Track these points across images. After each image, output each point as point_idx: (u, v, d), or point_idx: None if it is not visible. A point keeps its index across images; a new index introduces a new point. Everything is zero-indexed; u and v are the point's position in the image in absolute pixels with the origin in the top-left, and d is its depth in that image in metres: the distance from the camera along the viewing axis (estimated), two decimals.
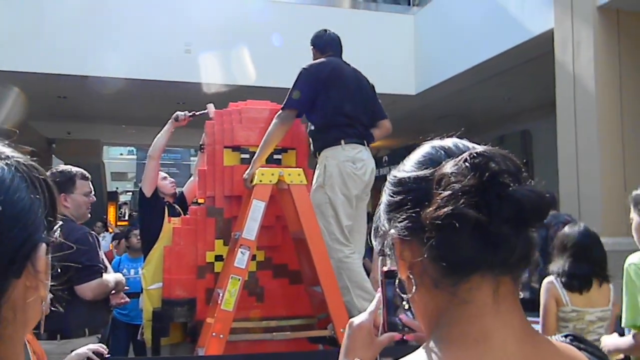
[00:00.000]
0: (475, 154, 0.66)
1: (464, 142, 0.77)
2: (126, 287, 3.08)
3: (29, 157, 0.66)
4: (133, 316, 4.81)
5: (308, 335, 2.96)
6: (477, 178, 0.64)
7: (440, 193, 0.64)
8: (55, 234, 0.65)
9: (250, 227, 2.62)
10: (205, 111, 3.56)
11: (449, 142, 0.77)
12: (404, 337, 0.89)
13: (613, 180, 5.19)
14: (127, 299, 3.10)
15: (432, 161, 0.72)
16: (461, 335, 0.66)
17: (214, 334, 2.48)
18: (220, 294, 2.57)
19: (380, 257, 0.93)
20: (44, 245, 0.61)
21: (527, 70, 7.38)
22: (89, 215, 2.98)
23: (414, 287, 0.70)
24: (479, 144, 0.75)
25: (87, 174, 2.92)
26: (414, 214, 0.68)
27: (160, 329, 2.98)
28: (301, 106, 3.15)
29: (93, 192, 2.97)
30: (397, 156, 14.08)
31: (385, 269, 0.92)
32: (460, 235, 0.63)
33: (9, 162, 0.60)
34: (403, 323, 0.89)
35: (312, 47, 3.46)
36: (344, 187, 3.02)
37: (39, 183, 0.62)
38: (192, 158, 24.96)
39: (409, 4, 9.56)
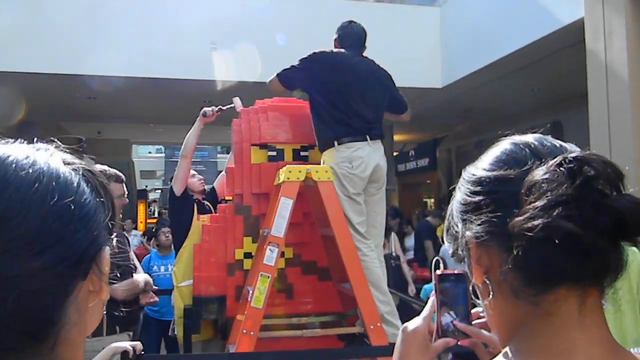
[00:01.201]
0: (570, 159, 0.61)
1: (549, 139, 0.72)
2: (155, 287, 3.12)
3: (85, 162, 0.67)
4: (164, 312, 4.88)
5: (337, 332, 2.95)
6: (573, 186, 0.59)
7: (533, 202, 0.60)
8: (114, 239, 0.66)
9: (279, 225, 2.62)
10: (232, 105, 3.55)
11: (532, 138, 0.72)
12: (459, 343, 0.87)
13: None
14: (156, 298, 3.14)
15: (517, 160, 0.67)
16: (544, 348, 0.63)
17: (244, 331, 2.50)
18: (250, 291, 2.58)
19: (435, 260, 0.90)
20: (107, 248, 0.62)
21: (557, 61, 7.24)
22: (121, 216, 3.02)
23: (491, 294, 0.66)
24: (565, 142, 0.71)
25: (122, 176, 2.96)
26: (495, 218, 0.64)
27: (191, 326, 3.01)
28: (284, 77, 3.21)
29: (127, 194, 3.00)
30: (424, 150, 14.00)
31: (439, 272, 0.90)
32: (550, 246, 0.59)
33: (74, 167, 0.62)
34: (457, 329, 0.86)
35: (335, 35, 3.42)
36: (343, 188, 2.99)
37: (102, 187, 0.64)
38: (219, 155, 25.18)
39: None
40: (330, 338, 2.98)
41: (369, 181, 3.10)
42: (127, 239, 2.92)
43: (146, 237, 8.00)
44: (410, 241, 8.32)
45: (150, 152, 28.84)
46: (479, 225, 0.66)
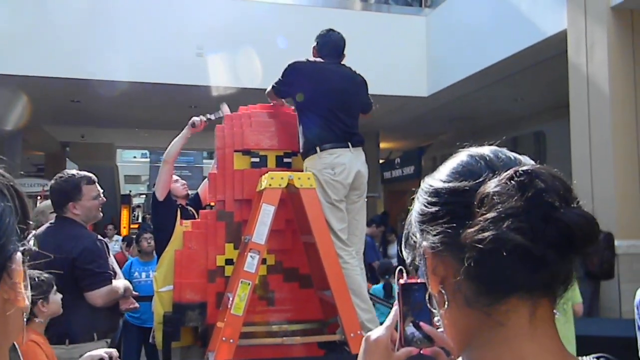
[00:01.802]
0: (521, 172, 0.62)
1: (505, 152, 0.71)
2: (135, 292, 3.08)
3: None
4: (144, 319, 4.83)
5: (318, 340, 2.94)
6: (522, 199, 0.60)
7: (484, 214, 0.60)
8: (30, 241, 0.63)
9: (260, 232, 2.61)
10: (221, 116, 3.55)
11: (488, 150, 0.71)
12: (421, 352, 0.87)
13: (627, 182, 5.13)
14: (137, 305, 3.10)
15: (471, 172, 0.67)
16: (495, 358, 0.63)
17: (224, 338, 2.48)
18: (230, 298, 2.56)
19: (398, 270, 0.89)
20: (18, 254, 0.59)
21: (540, 72, 7.32)
22: (101, 215, 2.99)
23: (446, 303, 0.67)
24: (521, 154, 0.71)
25: (93, 177, 2.93)
26: (449, 229, 0.64)
27: (171, 333, 2.98)
28: (276, 91, 3.29)
29: (102, 192, 2.98)
30: (409, 158, 14.07)
31: (402, 281, 0.89)
32: (501, 257, 0.59)
33: None
34: (424, 332, 0.86)
35: (314, 42, 3.44)
36: (325, 194, 2.99)
37: (7, 190, 0.61)
38: (204, 161, 25.09)
39: (421, 6, 9.52)
40: (310, 346, 2.97)
41: (351, 188, 3.11)
42: (107, 245, 2.88)
43: (125, 242, 7.90)
44: (393, 249, 8.34)
45: (135, 157, 28.67)
46: (434, 235, 0.66)
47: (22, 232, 0.61)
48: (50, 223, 2.88)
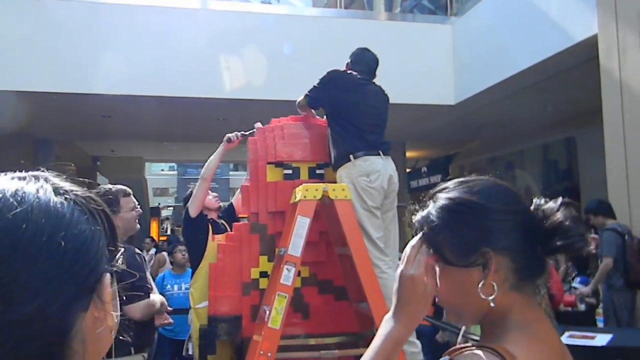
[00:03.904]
0: (566, 202, 0.94)
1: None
2: (170, 308, 3.10)
3: (87, 189, 0.66)
4: (177, 332, 4.86)
5: (355, 354, 2.92)
6: (581, 225, 0.92)
7: (566, 232, 0.91)
8: (118, 262, 0.65)
9: (296, 244, 2.61)
10: (254, 130, 3.57)
11: (501, 183, 1.01)
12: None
13: None
14: (171, 320, 3.12)
15: (514, 199, 0.98)
16: (533, 317, 0.93)
17: (261, 352, 2.48)
18: (267, 312, 2.56)
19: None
20: (108, 275, 0.61)
21: (570, 77, 7.20)
22: (139, 227, 3.03)
23: (496, 291, 0.90)
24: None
25: (129, 190, 2.98)
26: (511, 239, 0.92)
27: (206, 347, 2.99)
28: (310, 99, 3.34)
29: (138, 205, 3.02)
30: (436, 166, 13.96)
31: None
32: (538, 257, 0.94)
33: (67, 196, 0.61)
34: None
35: (348, 60, 3.51)
36: (362, 202, 3.01)
37: (98, 214, 0.63)
38: (231, 173, 25.28)
39: (446, 14, 9.48)
40: (347, 359, 2.95)
41: (384, 195, 3.12)
42: (144, 259, 2.91)
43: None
44: None
45: (162, 170, 29.01)
46: (503, 241, 0.92)
47: (111, 254, 0.63)
48: None
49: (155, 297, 2.81)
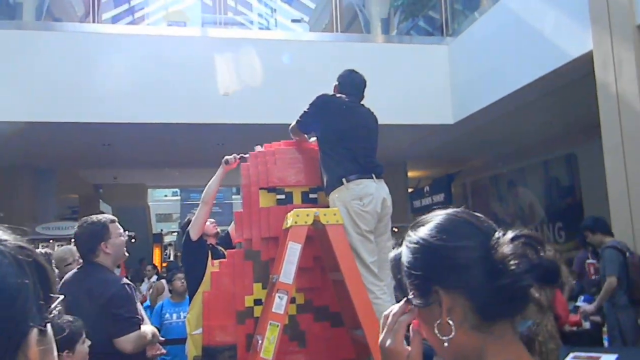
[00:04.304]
0: (521, 235, 0.87)
1: (472, 214, 0.96)
2: (161, 338, 3.05)
3: (19, 236, 0.62)
4: None
5: None
6: (532, 258, 0.84)
7: (510, 269, 0.83)
8: (54, 311, 0.61)
9: (287, 271, 2.57)
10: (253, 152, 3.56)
11: (466, 214, 0.95)
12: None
13: None
14: (163, 350, 3.07)
15: (470, 233, 0.90)
16: (508, 356, 0.87)
17: None
18: (260, 341, 2.51)
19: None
20: (35, 331, 0.58)
21: (568, 94, 7.19)
22: (127, 254, 3.01)
23: (453, 331, 0.86)
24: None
25: (114, 217, 2.98)
26: (464, 276, 0.86)
27: None
28: (301, 124, 3.33)
29: (124, 231, 3.00)
30: (439, 185, 13.90)
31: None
32: (506, 295, 0.84)
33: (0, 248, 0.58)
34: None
35: (336, 82, 3.49)
36: (356, 226, 2.97)
37: (28, 265, 0.60)
38: (234, 197, 25.26)
39: (443, 35, 9.53)
40: None
41: (378, 219, 3.08)
42: (134, 289, 2.87)
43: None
44: None
45: (166, 195, 29.05)
46: (451, 278, 0.87)
47: (42, 307, 0.60)
48: (78, 268, 2.89)
49: (147, 328, 2.76)
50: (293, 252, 2.60)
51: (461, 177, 13.48)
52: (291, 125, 3.39)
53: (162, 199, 28.06)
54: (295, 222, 2.67)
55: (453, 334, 0.86)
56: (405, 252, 0.94)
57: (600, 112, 5.55)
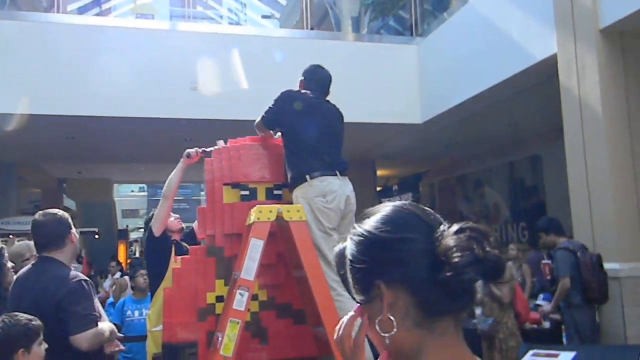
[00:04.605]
0: (466, 228, 0.83)
1: (421, 207, 0.92)
2: (120, 334, 2.99)
3: None
4: (138, 359, 4.71)
5: None
6: (477, 252, 0.80)
7: (452, 261, 0.80)
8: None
9: (249, 267, 2.54)
10: (216, 147, 3.49)
11: (413, 207, 0.91)
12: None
13: (626, 204, 5.07)
14: (122, 347, 3.01)
15: (415, 226, 0.87)
16: (449, 355, 0.84)
17: None
18: (220, 338, 2.47)
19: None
20: None
21: (533, 96, 7.33)
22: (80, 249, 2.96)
23: (395, 328, 0.83)
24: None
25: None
26: (408, 270, 0.83)
27: None
28: (266, 120, 3.27)
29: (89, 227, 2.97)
30: (407, 184, 14.03)
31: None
32: (448, 290, 0.81)
33: None
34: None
35: (302, 77, 3.46)
36: (319, 223, 2.96)
37: None
38: (201, 193, 25.02)
39: (412, 35, 9.60)
40: None
41: (341, 217, 3.07)
42: (92, 286, 2.80)
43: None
44: None
45: (132, 191, 28.61)
46: (393, 273, 0.84)
47: None
48: (33, 264, 2.80)
49: (104, 325, 2.70)
50: (255, 248, 2.57)
51: (429, 177, 13.62)
52: (256, 121, 3.36)
53: (128, 195, 27.63)
54: (258, 218, 2.64)
55: (394, 330, 0.83)
56: (349, 246, 0.90)
57: (564, 114, 5.66)
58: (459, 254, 0.79)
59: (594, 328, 4.93)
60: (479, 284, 0.85)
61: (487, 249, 0.81)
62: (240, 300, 2.49)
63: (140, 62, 7.71)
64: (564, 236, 5.26)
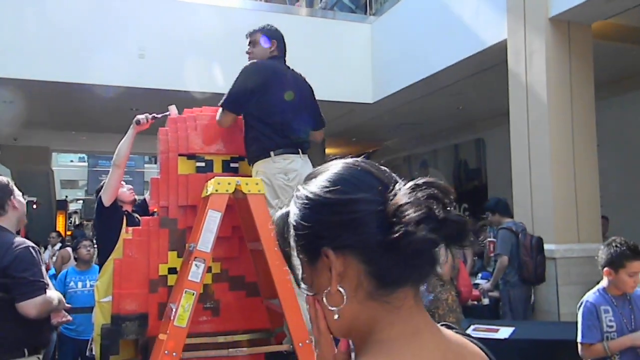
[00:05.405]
0: (421, 184, 0.73)
1: (376, 165, 0.81)
2: (67, 305, 2.92)
3: None
4: (81, 331, 4.60)
5: (265, 351, 2.87)
6: (430, 207, 0.70)
7: (402, 221, 0.69)
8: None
9: (206, 239, 2.52)
10: (168, 113, 3.37)
11: (366, 164, 0.80)
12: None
13: (564, 188, 5.32)
14: (69, 317, 2.93)
15: (368, 184, 0.76)
16: (401, 333, 0.74)
17: (166, 352, 2.37)
18: (173, 309, 2.45)
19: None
20: None
21: (481, 80, 7.52)
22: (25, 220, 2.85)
23: (345, 299, 0.74)
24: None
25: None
26: (358, 234, 0.72)
27: (109, 347, 2.83)
28: (232, 105, 3.11)
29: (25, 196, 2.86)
30: None
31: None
32: (403, 256, 0.71)
33: None
34: None
35: (273, 39, 3.34)
36: (278, 200, 2.96)
37: None
38: (146, 165, 24.43)
39: (366, 13, 9.61)
40: (257, 356, 2.89)
41: None
42: (40, 252, 2.71)
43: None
44: None
45: (72, 161, 27.58)
46: (343, 239, 0.73)
47: None
48: None
49: (53, 294, 2.62)
50: (212, 220, 2.54)
51: (377, 156, 13.80)
52: (218, 116, 3.14)
53: (67, 165, 26.61)
54: (216, 190, 2.61)
55: (344, 303, 0.73)
56: (292, 210, 0.78)
57: (510, 99, 5.84)
58: (411, 210, 0.69)
59: (527, 306, 5.19)
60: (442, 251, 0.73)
61: (449, 208, 0.71)
62: (196, 272, 2.47)
63: (84, 24, 7.37)
64: (509, 217, 5.48)
